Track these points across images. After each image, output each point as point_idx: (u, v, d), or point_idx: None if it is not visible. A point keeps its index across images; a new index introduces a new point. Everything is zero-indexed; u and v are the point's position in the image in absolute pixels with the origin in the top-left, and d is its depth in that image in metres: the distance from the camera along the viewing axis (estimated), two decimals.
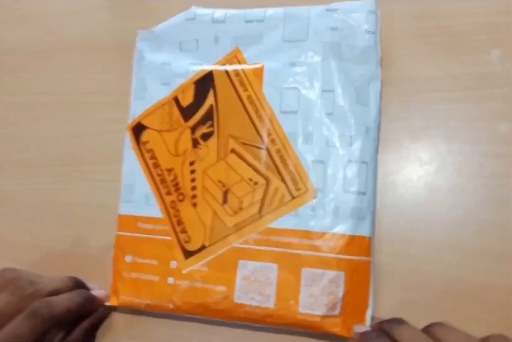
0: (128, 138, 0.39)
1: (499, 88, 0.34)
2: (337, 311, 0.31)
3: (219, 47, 0.37)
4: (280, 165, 0.34)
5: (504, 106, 0.34)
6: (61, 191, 0.41)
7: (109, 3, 0.45)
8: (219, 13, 0.38)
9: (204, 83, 0.37)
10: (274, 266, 0.33)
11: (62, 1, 0.46)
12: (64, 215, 0.41)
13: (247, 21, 0.37)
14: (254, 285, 0.33)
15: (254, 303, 0.33)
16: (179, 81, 0.38)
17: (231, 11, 0.38)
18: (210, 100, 0.37)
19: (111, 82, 0.43)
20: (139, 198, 0.38)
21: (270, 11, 0.36)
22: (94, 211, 0.40)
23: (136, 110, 0.39)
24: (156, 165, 0.38)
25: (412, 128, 0.34)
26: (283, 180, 0.34)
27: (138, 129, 0.39)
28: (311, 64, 0.34)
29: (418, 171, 0.34)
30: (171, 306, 0.35)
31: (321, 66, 0.34)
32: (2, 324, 0.31)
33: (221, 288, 0.34)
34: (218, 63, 0.37)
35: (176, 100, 0.38)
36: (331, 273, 0.31)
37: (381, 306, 0.32)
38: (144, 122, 0.39)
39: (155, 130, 0.38)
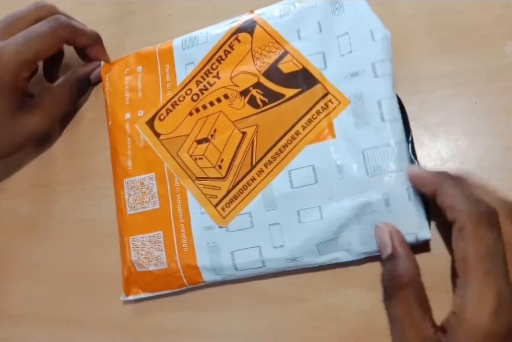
0: (242, 20, 0.37)
1: None
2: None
3: (350, 80, 0.33)
4: (239, 187, 0.34)
5: None
6: None
7: (114, 15, 0.45)
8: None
9: (307, 79, 0.34)
10: (157, 203, 0.37)
11: None
12: None
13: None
14: (138, 192, 0.37)
15: (126, 196, 0.38)
16: (303, 50, 0.34)
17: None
18: (290, 92, 0.34)
19: None
20: (187, 55, 0.38)
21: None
22: None
23: (268, 11, 0.36)
24: (220, 60, 0.37)
25: (431, 126, 0.34)
26: (228, 192, 0.34)
27: (250, 25, 0.36)
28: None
29: (441, 169, 0.34)
30: (110, 123, 0.40)
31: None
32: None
33: (129, 162, 0.38)
34: (328, 84, 0.33)
35: (283, 54, 0.35)
36: (163, 256, 0.36)
37: None
38: (258, 29, 0.36)
39: (251, 44, 0.36)
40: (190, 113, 0.37)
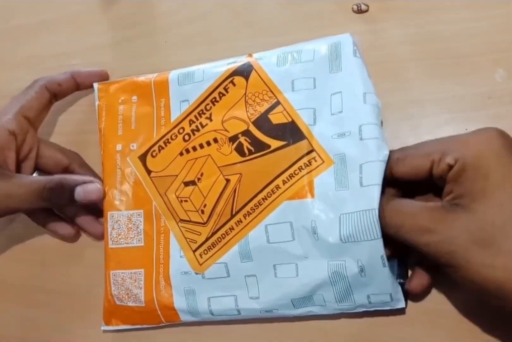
0: (239, 63, 0.36)
1: (506, 106, 0.34)
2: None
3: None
4: (217, 235, 0.34)
5: None
6: None
7: (111, 41, 0.45)
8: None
9: (294, 132, 0.33)
10: (142, 240, 0.37)
11: (63, 41, 0.47)
12: None
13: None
14: (124, 227, 0.37)
15: (109, 229, 0.37)
16: (295, 103, 0.34)
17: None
18: (275, 144, 0.33)
19: None
20: (182, 91, 0.37)
21: None
22: None
23: (266, 56, 0.36)
24: (214, 102, 0.36)
25: None
26: (207, 238, 0.34)
27: (246, 69, 0.35)
28: None
29: None
30: (102, 152, 0.39)
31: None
32: None
33: (117, 196, 0.38)
34: (314, 141, 0.32)
35: (275, 104, 0.34)
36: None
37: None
38: (254, 75, 0.35)
39: (245, 90, 0.35)
40: (181, 153, 0.37)
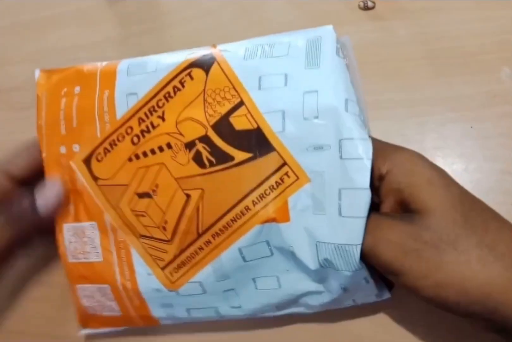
0: (200, 53, 0.31)
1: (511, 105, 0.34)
2: None
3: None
4: (186, 254, 0.30)
5: None
6: None
7: (118, 37, 0.45)
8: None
9: (261, 143, 0.28)
10: (99, 255, 0.33)
11: (70, 36, 0.47)
12: None
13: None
14: (79, 240, 0.33)
15: (66, 243, 0.34)
16: (261, 104, 0.28)
17: None
18: (240, 156, 0.28)
19: None
20: (131, 83, 0.32)
21: None
22: None
23: (233, 48, 0.30)
24: (168, 97, 0.30)
25: (427, 149, 0.35)
26: (175, 257, 0.31)
27: (207, 61, 0.30)
28: None
29: None
30: (44, 154, 0.34)
31: None
32: None
33: (71, 206, 0.33)
34: (286, 153, 0.28)
35: (238, 105, 0.29)
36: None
37: None
38: (216, 68, 0.30)
39: (204, 85, 0.30)
40: (130, 159, 0.31)
